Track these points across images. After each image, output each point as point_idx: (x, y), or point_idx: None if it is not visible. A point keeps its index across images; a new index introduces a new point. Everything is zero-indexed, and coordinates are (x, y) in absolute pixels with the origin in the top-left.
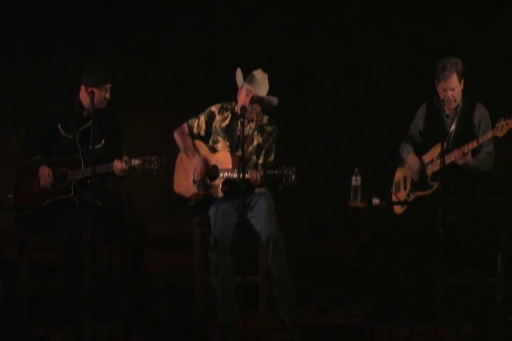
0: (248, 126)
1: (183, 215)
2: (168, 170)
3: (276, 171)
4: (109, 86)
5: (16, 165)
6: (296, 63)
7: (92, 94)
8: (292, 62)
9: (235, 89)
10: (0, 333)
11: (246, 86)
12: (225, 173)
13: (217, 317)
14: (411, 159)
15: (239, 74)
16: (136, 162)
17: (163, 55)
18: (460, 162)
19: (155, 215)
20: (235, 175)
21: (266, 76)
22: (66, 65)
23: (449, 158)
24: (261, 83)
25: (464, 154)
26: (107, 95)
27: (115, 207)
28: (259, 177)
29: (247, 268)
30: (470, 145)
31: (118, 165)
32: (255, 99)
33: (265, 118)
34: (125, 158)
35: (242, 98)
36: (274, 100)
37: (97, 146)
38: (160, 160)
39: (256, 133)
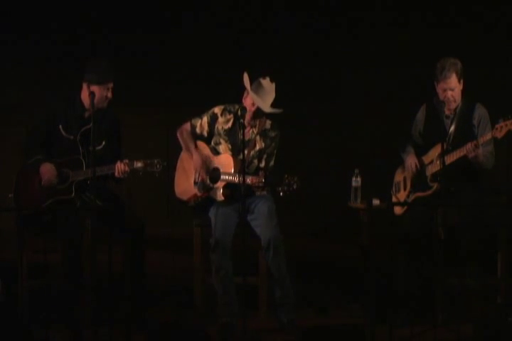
0: (251, 131)
1: (183, 216)
2: (168, 171)
3: (278, 179)
4: (111, 85)
5: (16, 165)
6: (296, 63)
7: (92, 94)
8: (292, 63)
9: (235, 90)
10: (0, 333)
11: (252, 96)
12: (226, 177)
13: (218, 318)
14: (410, 159)
15: (246, 79)
16: (138, 164)
17: (163, 56)
18: (471, 155)
19: (155, 215)
20: (237, 180)
21: (273, 86)
22: (66, 65)
23: (448, 159)
24: (267, 93)
25: (476, 147)
26: (109, 94)
27: (115, 208)
28: (260, 184)
29: (247, 269)
30: (464, 150)
31: (120, 167)
32: (259, 111)
33: (268, 124)
34: (126, 160)
35: (248, 105)
36: (278, 111)
37: (97, 147)
38: (162, 163)
39: (258, 137)
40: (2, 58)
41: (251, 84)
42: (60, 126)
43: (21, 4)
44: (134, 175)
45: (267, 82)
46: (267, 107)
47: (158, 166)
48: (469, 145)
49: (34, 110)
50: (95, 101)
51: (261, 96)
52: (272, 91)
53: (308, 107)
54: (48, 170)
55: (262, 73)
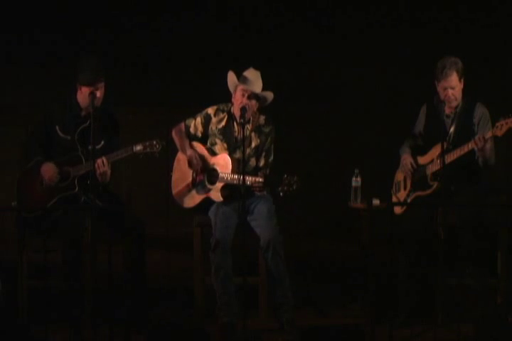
0: (245, 128)
1: (183, 215)
2: (167, 170)
3: (277, 179)
4: (101, 84)
5: (16, 165)
6: (295, 63)
7: (92, 95)
8: (292, 62)
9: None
10: (0, 333)
11: (241, 86)
12: (224, 177)
13: (218, 318)
14: (404, 158)
15: (232, 77)
16: (138, 147)
17: (162, 56)
18: (480, 145)
19: (155, 215)
20: (235, 180)
21: (258, 73)
22: (66, 65)
23: (449, 158)
24: (255, 81)
25: (485, 140)
26: (98, 93)
27: (115, 208)
28: (260, 184)
29: (247, 269)
30: (469, 145)
31: (99, 163)
32: (251, 97)
33: (262, 119)
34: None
35: (239, 99)
36: (270, 95)
37: (96, 147)
38: (161, 143)
39: (253, 134)
40: (2, 58)
41: (238, 80)
42: (57, 127)
43: (21, 4)
44: (136, 159)
45: (250, 71)
46: (255, 89)
47: (157, 146)
48: (478, 140)
49: (34, 110)
50: (86, 101)
51: (249, 85)
52: (258, 78)
53: (307, 107)
54: (48, 169)
55: (263, 73)
